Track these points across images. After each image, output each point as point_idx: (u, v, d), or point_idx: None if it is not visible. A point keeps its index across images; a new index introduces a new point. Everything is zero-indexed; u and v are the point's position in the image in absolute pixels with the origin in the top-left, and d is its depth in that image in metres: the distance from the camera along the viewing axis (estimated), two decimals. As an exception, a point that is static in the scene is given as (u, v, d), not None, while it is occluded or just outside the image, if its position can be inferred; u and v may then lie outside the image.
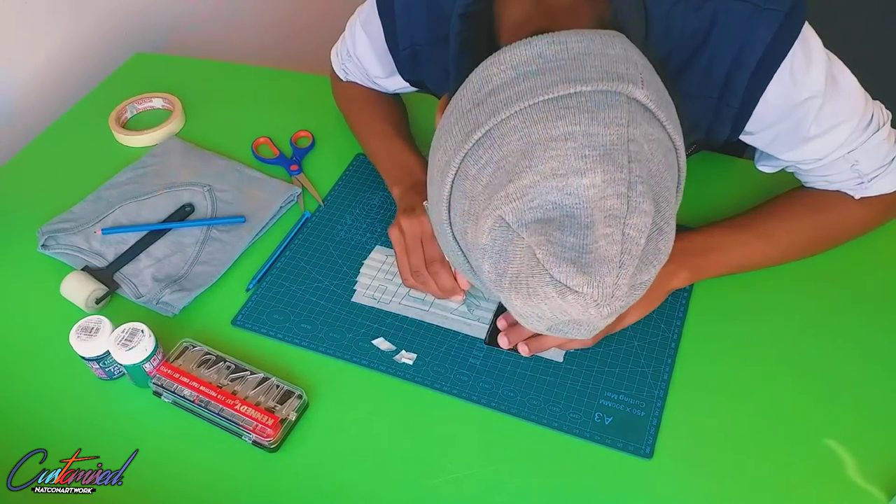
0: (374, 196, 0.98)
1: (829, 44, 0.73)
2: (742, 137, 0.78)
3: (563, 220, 0.53)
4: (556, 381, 0.76)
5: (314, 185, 1.00)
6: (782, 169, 0.83)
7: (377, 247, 0.91)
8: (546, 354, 0.78)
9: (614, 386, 0.76)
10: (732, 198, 0.91)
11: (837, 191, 0.80)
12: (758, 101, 0.72)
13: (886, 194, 0.80)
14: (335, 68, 1.01)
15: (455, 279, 0.79)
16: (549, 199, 0.53)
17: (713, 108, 0.74)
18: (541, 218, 0.53)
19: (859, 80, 0.75)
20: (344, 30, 0.95)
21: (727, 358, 0.78)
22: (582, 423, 0.73)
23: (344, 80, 1.01)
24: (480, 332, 0.81)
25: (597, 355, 0.78)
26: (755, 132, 0.76)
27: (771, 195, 0.86)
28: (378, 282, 0.87)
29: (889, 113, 0.78)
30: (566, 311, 0.55)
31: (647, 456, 0.71)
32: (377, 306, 0.85)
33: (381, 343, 0.81)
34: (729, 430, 0.72)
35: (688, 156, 0.81)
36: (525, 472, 0.71)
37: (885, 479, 0.67)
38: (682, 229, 0.68)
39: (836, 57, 0.74)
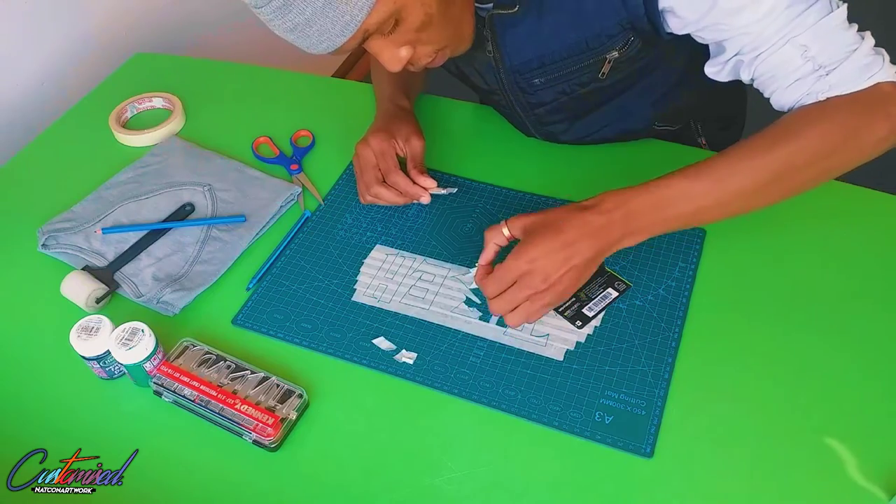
0: (374, 195, 0.98)
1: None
2: (668, 20, 0.75)
3: None
4: (556, 380, 0.76)
5: (314, 185, 1.00)
6: (735, 76, 0.76)
7: (377, 246, 0.91)
8: (546, 353, 0.78)
9: (615, 385, 0.76)
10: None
11: (800, 114, 0.72)
12: None
13: (850, 117, 0.70)
14: None
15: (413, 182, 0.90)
16: None
17: None
18: None
19: None
20: None
21: (728, 357, 0.78)
22: (582, 422, 0.73)
23: None
24: (481, 330, 0.81)
25: (597, 354, 0.78)
26: (673, 5, 0.73)
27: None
28: (378, 281, 0.87)
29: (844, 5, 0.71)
30: None
31: (648, 455, 0.71)
32: (377, 305, 0.85)
33: (382, 342, 0.81)
34: (729, 430, 0.72)
35: (627, 51, 0.80)
36: (525, 471, 0.71)
37: (885, 479, 0.67)
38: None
39: None
